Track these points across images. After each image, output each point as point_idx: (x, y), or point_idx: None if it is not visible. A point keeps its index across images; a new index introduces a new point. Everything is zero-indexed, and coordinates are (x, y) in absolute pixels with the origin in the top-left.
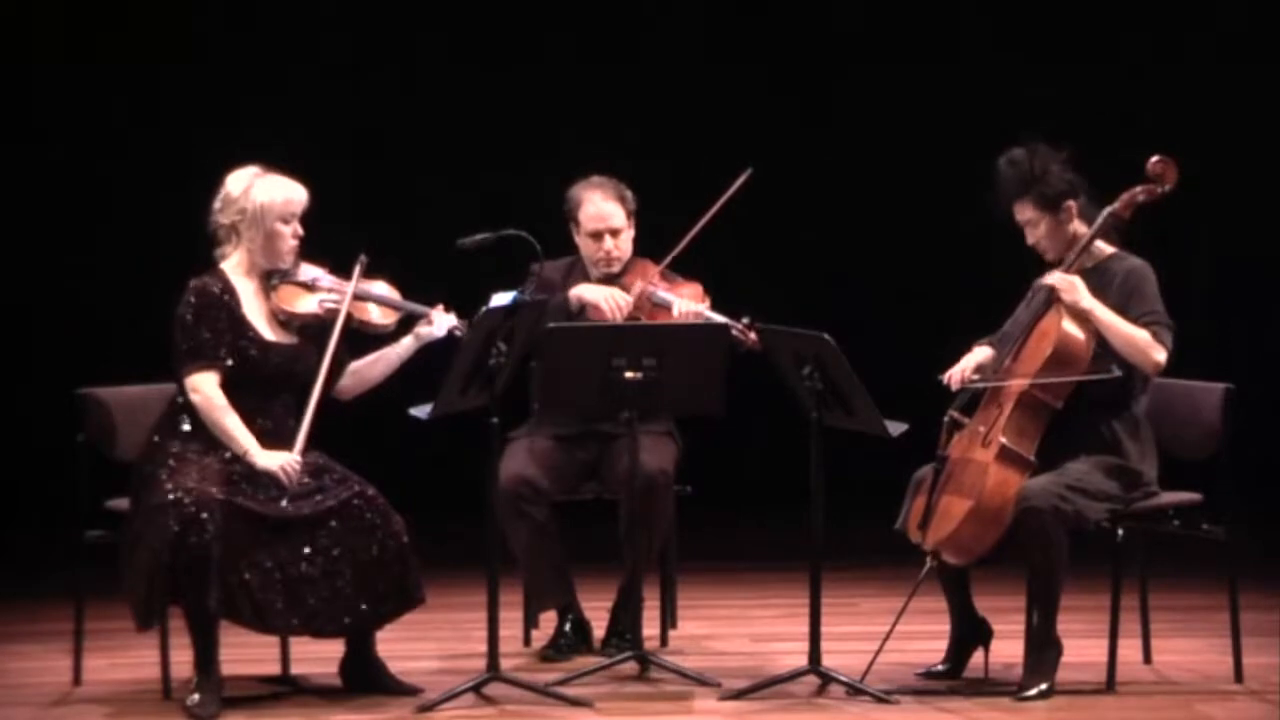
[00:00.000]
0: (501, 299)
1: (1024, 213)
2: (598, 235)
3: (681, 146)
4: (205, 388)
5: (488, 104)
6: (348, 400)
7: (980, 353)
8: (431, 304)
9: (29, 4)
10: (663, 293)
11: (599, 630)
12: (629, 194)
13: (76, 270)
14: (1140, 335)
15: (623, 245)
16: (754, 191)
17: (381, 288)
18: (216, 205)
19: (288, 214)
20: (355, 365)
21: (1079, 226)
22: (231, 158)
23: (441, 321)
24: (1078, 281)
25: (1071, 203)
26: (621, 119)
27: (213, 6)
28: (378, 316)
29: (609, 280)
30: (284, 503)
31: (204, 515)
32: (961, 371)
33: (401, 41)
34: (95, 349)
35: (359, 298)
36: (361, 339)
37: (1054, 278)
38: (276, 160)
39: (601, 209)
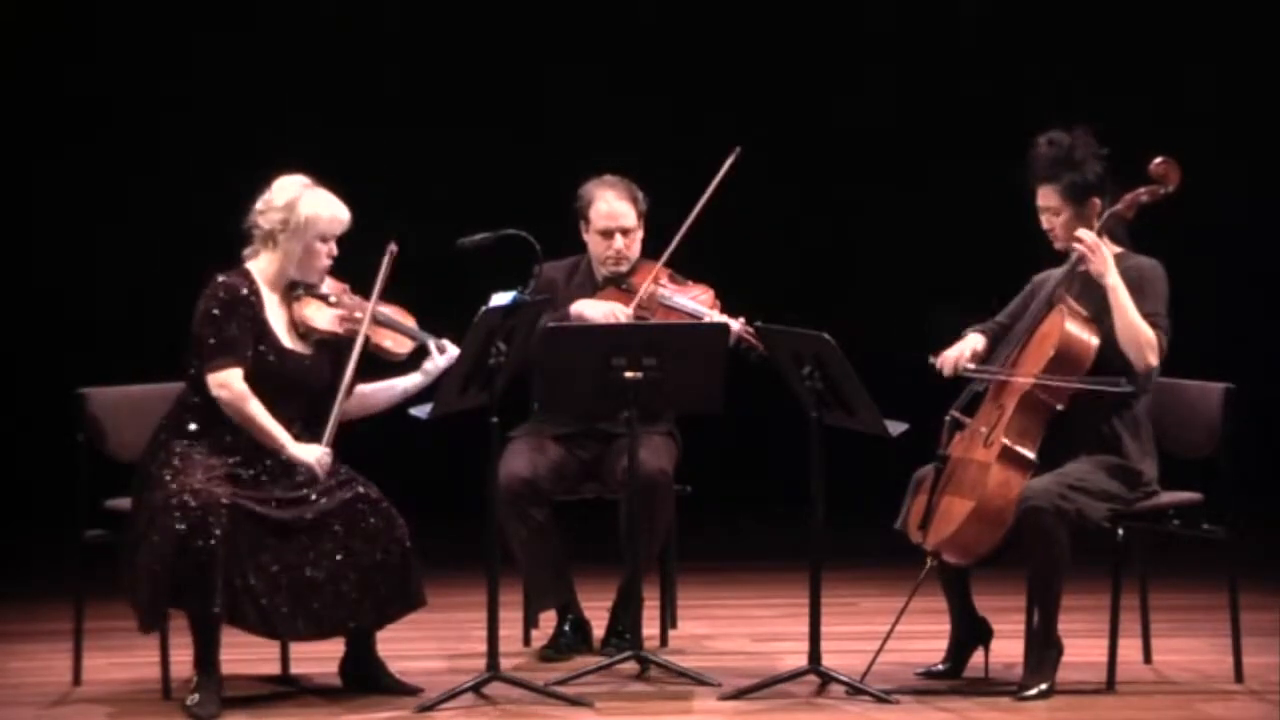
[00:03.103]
0: (501, 299)
1: (1048, 198)
2: (608, 233)
3: (681, 144)
4: (234, 383)
5: (488, 103)
6: (347, 421)
7: (974, 339)
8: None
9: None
10: (677, 296)
11: (599, 630)
12: (640, 195)
13: (77, 270)
14: (1146, 331)
15: (633, 245)
16: (753, 190)
17: (399, 314)
18: (259, 207)
19: (329, 233)
20: (362, 389)
21: (1095, 225)
22: (233, 157)
23: (449, 354)
24: (1109, 256)
25: (1097, 200)
26: (621, 119)
27: (212, 10)
28: (393, 344)
29: (616, 280)
30: (289, 508)
31: (210, 518)
32: (956, 358)
33: (403, 39)
34: (95, 349)
35: (379, 322)
36: (373, 361)
37: (1087, 238)
38: (278, 160)
39: (614, 207)
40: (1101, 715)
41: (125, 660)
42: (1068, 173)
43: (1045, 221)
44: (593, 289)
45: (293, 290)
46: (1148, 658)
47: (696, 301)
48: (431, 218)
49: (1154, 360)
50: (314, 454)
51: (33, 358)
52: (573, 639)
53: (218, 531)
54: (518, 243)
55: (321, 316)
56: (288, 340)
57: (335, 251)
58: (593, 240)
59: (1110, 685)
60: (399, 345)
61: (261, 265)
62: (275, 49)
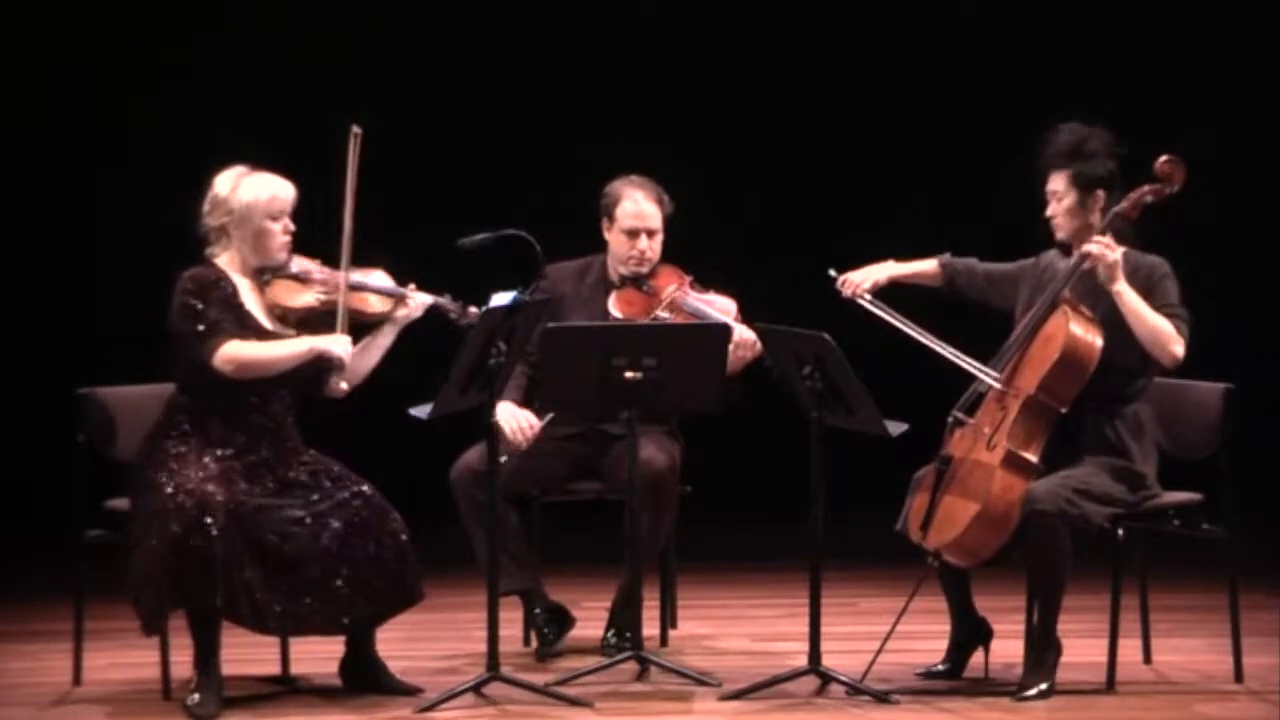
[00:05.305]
0: (501, 299)
1: (1056, 183)
2: (634, 233)
3: (683, 148)
4: (235, 352)
5: (490, 104)
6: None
7: (894, 266)
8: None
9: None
10: (703, 306)
11: (597, 630)
12: (666, 198)
13: (76, 270)
14: (1164, 326)
15: (655, 247)
16: (753, 189)
17: (375, 276)
18: (205, 207)
19: (275, 211)
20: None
21: (1096, 219)
22: (232, 157)
23: (418, 301)
24: (1118, 259)
25: (1102, 193)
26: (622, 120)
27: (209, 8)
28: (374, 305)
29: (637, 281)
30: (284, 512)
31: (207, 518)
32: (858, 284)
33: (402, 39)
34: (95, 349)
35: (354, 288)
36: (352, 326)
37: (1095, 244)
38: (279, 161)
39: (642, 208)
40: (1101, 715)
41: (125, 660)
42: (1078, 161)
43: (1050, 208)
44: (608, 290)
45: (261, 276)
46: (1147, 658)
47: (720, 312)
48: (433, 217)
49: (1179, 351)
50: (342, 346)
51: (33, 358)
52: (555, 630)
53: (215, 530)
54: (518, 243)
55: (294, 295)
56: (269, 325)
57: (291, 227)
58: (616, 239)
59: (1110, 685)
60: (381, 305)
61: (225, 260)
62: (279, 48)
